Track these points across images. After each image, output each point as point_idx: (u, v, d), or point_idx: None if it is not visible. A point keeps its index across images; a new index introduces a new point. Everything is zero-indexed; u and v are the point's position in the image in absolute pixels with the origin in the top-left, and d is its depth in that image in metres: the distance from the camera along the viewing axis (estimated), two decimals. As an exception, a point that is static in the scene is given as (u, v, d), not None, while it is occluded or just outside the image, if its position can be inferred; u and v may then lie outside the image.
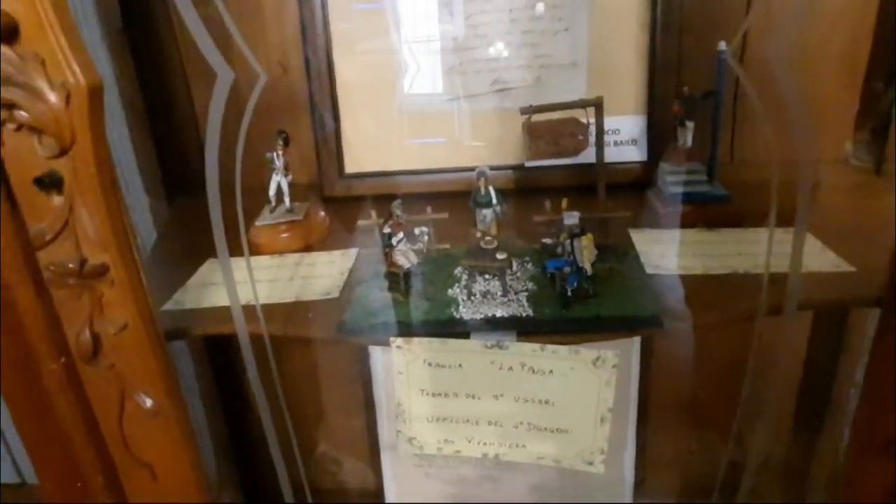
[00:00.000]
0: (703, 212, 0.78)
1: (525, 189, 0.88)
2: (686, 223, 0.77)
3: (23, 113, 0.49)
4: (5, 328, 0.56)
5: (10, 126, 0.51)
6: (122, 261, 0.56)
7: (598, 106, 0.64)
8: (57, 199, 0.53)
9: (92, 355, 0.58)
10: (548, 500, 1.04)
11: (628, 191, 0.84)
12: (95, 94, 0.51)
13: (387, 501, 1.06)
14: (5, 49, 0.49)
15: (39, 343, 0.57)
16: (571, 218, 0.58)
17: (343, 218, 0.88)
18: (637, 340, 0.89)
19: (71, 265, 0.54)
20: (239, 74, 0.54)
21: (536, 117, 0.64)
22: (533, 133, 0.65)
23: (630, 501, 1.06)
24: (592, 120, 0.64)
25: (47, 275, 0.55)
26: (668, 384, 1.05)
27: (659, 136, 0.87)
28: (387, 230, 0.62)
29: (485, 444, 0.64)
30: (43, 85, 0.49)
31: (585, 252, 0.57)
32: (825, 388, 1.03)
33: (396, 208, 0.63)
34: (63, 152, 0.52)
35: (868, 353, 0.91)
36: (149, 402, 0.61)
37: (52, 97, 0.49)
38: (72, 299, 0.56)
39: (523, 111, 0.65)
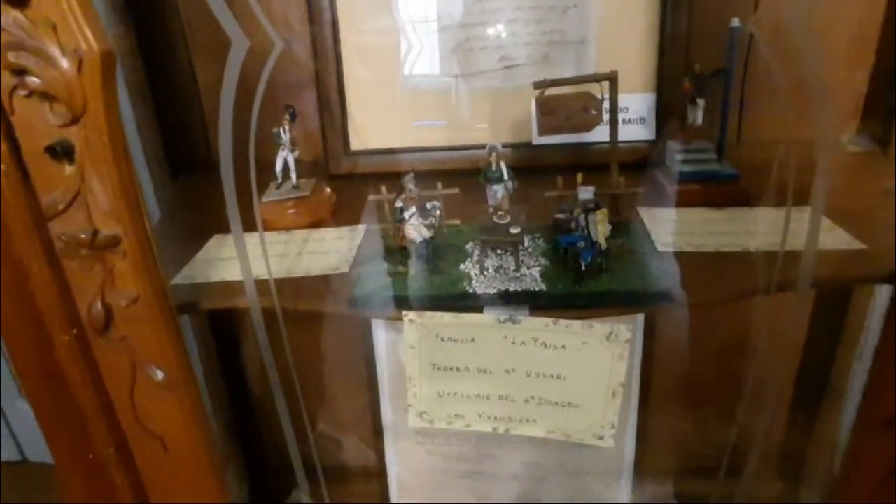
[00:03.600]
0: (712, 190, 0.77)
1: (533, 168, 0.87)
2: (695, 202, 0.77)
3: (34, 79, 0.49)
4: (17, 299, 0.56)
5: (22, 92, 0.50)
6: (133, 232, 0.55)
7: (612, 80, 0.63)
8: (69, 169, 0.53)
9: (104, 327, 0.58)
10: (547, 475, 1.05)
11: (636, 169, 0.83)
12: (108, 61, 0.50)
13: (389, 477, 1.07)
14: (16, 14, 0.48)
15: (51, 314, 0.57)
16: (586, 192, 0.58)
17: (349, 195, 0.88)
18: (641, 317, 0.89)
19: (83, 235, 0.54)
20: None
21: (549, 92, 0.64)
22: (545, 108, 0.64)
23: (630, 479, 1.07)
24: (606, 95, 0.64)
25: (59, 245, 0.55)
26: (669, 362, 1.05)
27: (668, 114, 0.87)
28: (399, 204, 0.62)
29: (495, 418, 0.64)
30: (55, 51, 0.49)
31: (600, 227, 0.57)
32: (825, 366, 1.03)
33: (409, 182, 0.63)
34: (75, 120, 0.51)
35: (871, 330, 0.92)
36: (160, 375, 0.61)
37: (65, 63, 0.49)
38: (84, 271, 0.56)
39: (536, 85, 0.64)
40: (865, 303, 0.93)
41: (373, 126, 0.93)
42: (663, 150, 0.85)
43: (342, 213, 0.84)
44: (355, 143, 0.94)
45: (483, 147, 0.90)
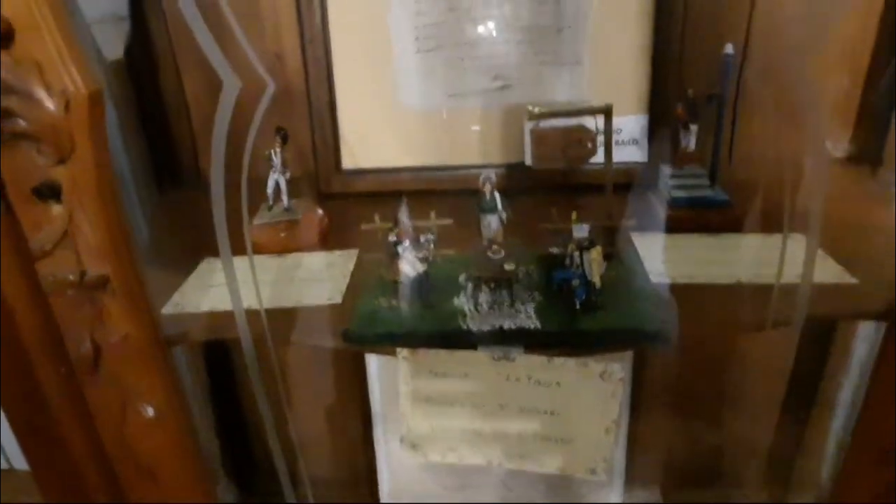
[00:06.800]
0: (704, 216, 0.78)
1: (527, 188, 0.87)
2: (687, 228, 0.77)
3: (20, 121, 0.48)
4: (4, 339, 0.55)
5: (7, 134, 0.49)
6: (122, 271, 0.55)
7: (607, 113, 0.63)
8: (56, 208, 0.52)
9: (93, 365, 0.57)
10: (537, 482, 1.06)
11: (629, 190, 0.83)
12: (96, 101, 0.49)
13: (381, 488, 1.06)
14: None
15: (39, 354, 0.56)
16: (581, 231, 0.58)
17: (341, 215, 0.87)
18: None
19: (71, 277, 0.53)
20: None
21: (543, 123, 0.63)
22: (539, 140, 0.64)
23: (621, 486, 1.07)
24: (601, 126, 0.63)
25: (47, 285, 0.54)
26: (658, 375, 1.06)
27: (660, 136, 0.87)
28: (392, 238, 0.61)
29: (489, 452, 0.64)
30: (40, 92, 0.47)
31: (595, 265, 0.57)
32: (811, 392, 1.05)
33: (402, 215, 0.62)
34: (62, 160, 0.50)
35: (858, 361, 0.93)
36: (150, 411, 0.60)
37: (51, 104, 0.48)
38: (72, 310, 0.55)
39: (531, 116, 0.64)
40: (852, 329, 0.94)
41: (364, 145, 0.92)
42: (655, 172, 0.85)
43: (334, 236, 0.83)
44: (347, 162, 0.93)
45: (475, 167, 0.91)
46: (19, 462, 1.49)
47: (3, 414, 0.58)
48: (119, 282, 0.55)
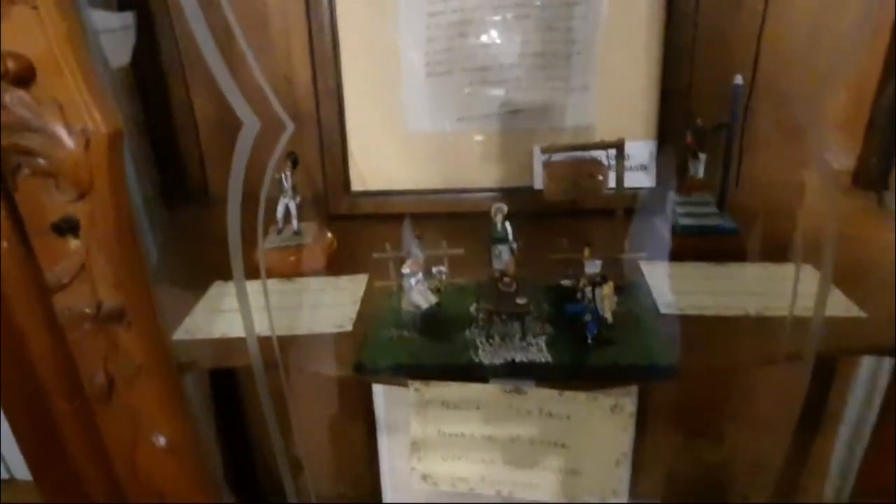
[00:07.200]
0: (713, 244, 0.78)
1: (536, 212, 0.88)
2: (696, 256, 0.77)
3: (40, 160, 0.48)
4: (18, 370, 0.55)
5: (26, 171, 0.49)
6: (138, 304, 0.55)
7: (619, 148, 0.63)
8: (73, 243, 0.52)
9: (106, 396, 0.58)
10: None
11: (636, 215, 0.84)
12: (116, 140, 0.49)
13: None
14: (21, 93, 0.47)
15: (52, 384, 0.56)
16: (593, 266, 0.58)
17: (349, 236, 0.87)
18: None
19: (87, 310, 0.53)
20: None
21: (556, 156, 0.64)
22: (552, 173, 0.64)
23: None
24: (613, 160, 0.64)
25: (63, 318, 0.54)
26: (661, 396, 1.06)
27: (668, 161, 0.87)
28: (405, 271, 0.62)
29: (499, 482, 0.64)
30: (60, 131, 0.48)
31: (607, 301, 0.57)
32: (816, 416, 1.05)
33: (414, 247, 0.62)
34: (80, 196, 0.50)
35: (862, 384, 0.93)
36: (163, 441, 0.60)
37: (70, 143, 0.48)
38: (87, 341, 0.55)
39: (543, 150, 0.64)
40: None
41: (374, 167, 0.92)
42: (664, 198, 0.85)
43: (344, 258, 0.83)
44: (356, 184, 0.93)
45: (484, 191, 0.92)
46: (20, 472, 1.49)
47: (7, 427, 0.57)
48: (135, 314, 0.55)
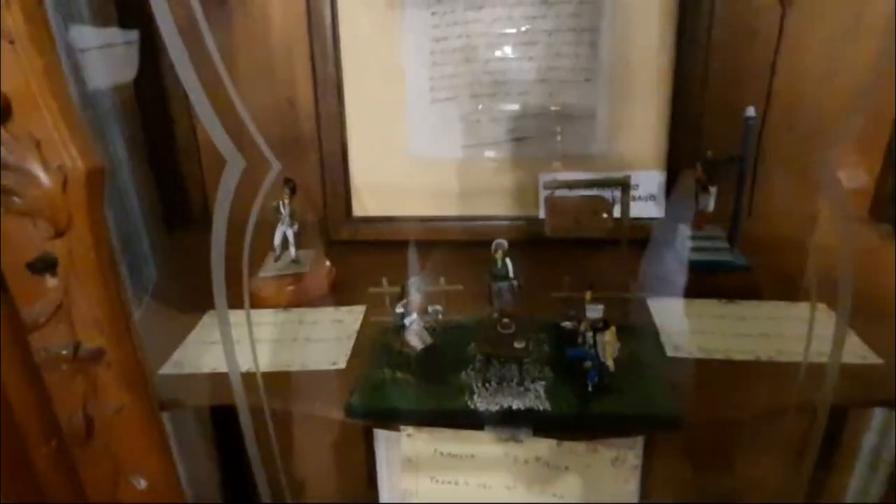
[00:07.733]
0: (723, 281, 0.75)
1: (538, 241, 0.85)
2: (705, 292, 0.74)
3: (15, 199, 0.46)
4: (-6, 410, 0.53)
5: (2, 209, 0.47)
6: (118, 344, 0.53)
7: (625, 186, 0.61)
8: (51, 281, 0.50)
9: (85, 438, 0.56)
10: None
11: (644, 246, 0.81)
12: (95, 177, 0.47)
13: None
14: (-3, 129, 0.45)
15: (29, 425, 0.54)
16: (595, 312, 0.55)
17: (349, 263, 0.85)
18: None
19: (64, 351, 0.51)
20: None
21: (560, 192, 0.61)
22: (555, 209, 0.62)
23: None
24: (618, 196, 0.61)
25: (39, 358, 0.52)
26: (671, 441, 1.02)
27: (677, 192, 0.84)
28: (400, 310, 0.59)
29: (494, 532, 0.61)
30: (37, 169, 0.46)
31: (608, 348, 0.54)
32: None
33: (412, 286, 0.60)
34: (59, 234, 0.48)
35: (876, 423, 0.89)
36: (143, 483, 0.58)
37: (47, 182, 0.46)
38: (65, 382, 0.53)
39: (546, 185, 0.62)
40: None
41: (376, 193, 0.90)
42: (672, 229, 0.82)
43: (342, 288, 0.81)
44: (357, 210, 0.91)
45: (487, 219, 0.89)
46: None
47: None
48: (114, 354, 0.53)
